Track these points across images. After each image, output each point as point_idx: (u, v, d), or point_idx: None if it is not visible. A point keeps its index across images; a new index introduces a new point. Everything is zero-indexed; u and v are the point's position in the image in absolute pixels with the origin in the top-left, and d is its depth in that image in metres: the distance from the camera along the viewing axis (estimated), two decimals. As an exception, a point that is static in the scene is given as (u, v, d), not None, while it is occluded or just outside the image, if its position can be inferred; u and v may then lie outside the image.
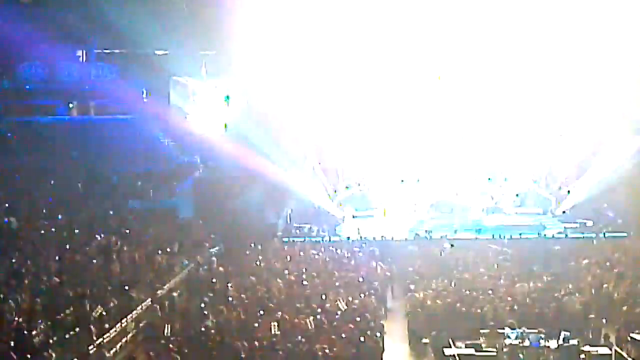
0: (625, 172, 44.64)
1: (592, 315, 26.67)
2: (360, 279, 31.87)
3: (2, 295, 24.10)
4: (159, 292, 29.61)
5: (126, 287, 27.79)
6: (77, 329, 23.13)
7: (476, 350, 24.20)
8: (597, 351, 23.83)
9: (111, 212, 40.02)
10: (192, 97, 50.22)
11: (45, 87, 50.08)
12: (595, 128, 48.06)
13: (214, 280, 32.43)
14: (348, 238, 44.19)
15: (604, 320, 26.21)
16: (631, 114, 47.68)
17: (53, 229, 34.01)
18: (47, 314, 23.37)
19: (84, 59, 52.24)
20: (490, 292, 29.52)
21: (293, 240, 43.38)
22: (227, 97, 50.16)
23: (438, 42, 48.13)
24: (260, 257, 36.80)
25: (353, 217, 47.88)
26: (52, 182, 43.16)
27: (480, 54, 48.41)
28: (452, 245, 38.94)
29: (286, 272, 33.09)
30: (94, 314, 24.44)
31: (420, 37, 47.92)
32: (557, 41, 46.82)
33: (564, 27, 46.13)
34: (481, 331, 25.47)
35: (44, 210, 37.39)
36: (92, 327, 23.36)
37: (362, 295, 29.24)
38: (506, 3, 47.07)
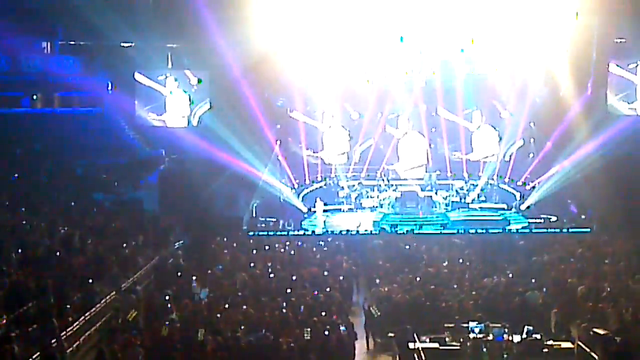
0: (589, 168, 44.98)
1: (555, 310, 26.87)
2: (326, 273, 31.88)
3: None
4: (123, 285, 29.47)
5: (90, 280, 27.61)
6: (40, 323, 22.96)
7: (440, 345, 24.31)
8: (560, 345, 24.07)
9: (75, 205, 39.76)
10: (158, 89, 49.88)
11: (9, 78, 49.55)
12: (558, 124, 48.44)
13: (178, 273, 32.36)
14: (313, 232, 44.27)
15: (567, 315, 26.40)
16: (593, 111, 48.24)
17: (16, 222, 33.70)
18: (9, 308, 23.16)
19: (48, 51, 51.74)
20: (454, 286, 29.70)
21: (258, 234, 43.33)
22: (185, 91, 49.91)
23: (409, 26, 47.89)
24: (225, 251, 36.71)
25: (324, 211, 47.79)
26: (15, 174, 42.77)
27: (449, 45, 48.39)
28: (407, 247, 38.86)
29: (251, 265, 33.04)
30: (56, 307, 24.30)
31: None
32: (521, 37, 47.05)
33: (532, 23, 46.37)
34: (445, 325, 25.59)
35: (7, 203, 37.05)
36: (55, 320, 23.17)
37: (328, 289, 29.26)
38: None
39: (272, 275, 31.15)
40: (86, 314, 25.43)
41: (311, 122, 52.46)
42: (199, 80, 49.71)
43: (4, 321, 22.02)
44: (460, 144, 52.63)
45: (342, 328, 24.61)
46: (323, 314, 25.56)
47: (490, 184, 51.29)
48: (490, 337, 24.12)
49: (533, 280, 30.11)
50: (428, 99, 51.64)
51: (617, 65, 48.91)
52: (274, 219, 46.38)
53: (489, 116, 52.41)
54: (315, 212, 48.10)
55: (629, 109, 49.10)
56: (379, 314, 25.99)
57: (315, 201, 48.39)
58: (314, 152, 52.90)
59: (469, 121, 52.61)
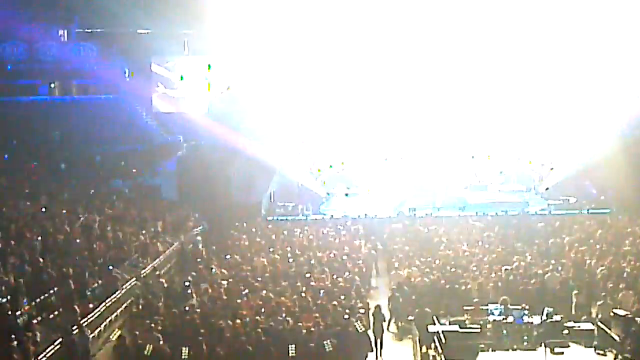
0: (607, 149, 44.80)
1: (575, 292, 26.78)
2: (345, 257, 31.89)
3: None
4: (142, 271, 29.62)
5: (110, 267, 27.75)
6: (62, 309, 23.10)
7: (460, 327, 24.25)
8: (580, 327, 23.98)
9: (94, 192, 39.91)
10: (174, 76, 49.94)
11: (27, 67, 49.87)
12: (576, 107, 48.22)
13: (198, 259, 32.46)
14: (332, 216, 44.27)
15: (587, 297, 26.32)
16: (611, 95, 48.01)
17: (36, 209, 33.83)
18: (32, 294, 23.31)
19: (66, 39, 51.90)
20: (474, 269, 29.64)
21: (277, 219, 43.38)
22: (206, 78, 49.85)
23: (421, 22, 47.83)
24: (244, 236, 36.77)
25: (346, 195, 47.74)
26: (35, 162, 42.96)
27: (464, 35, 48.19)
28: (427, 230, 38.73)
29: (270, 250, 33.10)
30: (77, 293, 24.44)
31: (401, 17, 47.63)
32: (539, 29, 46.82)
33: (547, 17, 46.08)
34: (465, 308, 25.55)
35: (27, 190, 37.21)
36: (76, 306, 23.30)
37: (347, 273, 29.27)
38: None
39: (291, 260, 31.18)
40: (107, 300, 25.58)
41: (328, 109, 52.24)
42: (209, 66, 49.68)
43: (27, 308, 22.17)
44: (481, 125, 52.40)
45: (361, 312, 24.70)
46: (342, 297, 25.61)
47: (510, 165, 51.08)
48: (510, 319, 24.07)
49: (552, 262, 30.05)
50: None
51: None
52: (292, 204, 46.40)
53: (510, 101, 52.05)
54: (334, 195, 48.06)
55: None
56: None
57: (335, 185, 48.33)
58: (330, 137, 52.66)
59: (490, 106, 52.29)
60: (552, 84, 49.46)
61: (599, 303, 25.51)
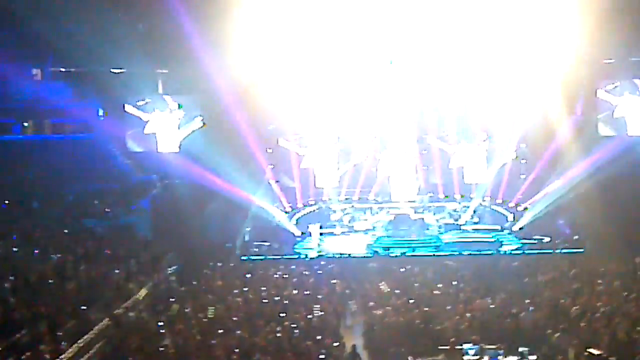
0: (581, 188, 45.11)
1: (550, 331, 26.84)
2: (319, 296, 31.83)
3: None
4: (116, 311, 29.38)
5: (83, 307, 27.52)
6: (33, 349, 22.83)
7: (435, 367, 24.28)
8: (555, 366, 24.04)
9: (67, 231, 39.65)
10: (148, 115, 49.81)
11: (0, 106, 49.53)
12: (550, 147, 48.47)
13: (171, 298, 32.28)
14: (306, 256, 44.22)
15: (561, 336, 26.34)
16: (584, 132, 48.32)
17: (7, 249, 33.56)
18: (2, 335, 23.04)
19: (40, 78, 51.70)
20: (448, 308, 29.66)
21: (252, 258, 43.29)
22: (179, 118, 49.71)
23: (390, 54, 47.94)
24: (218, 276, 36.64)
25: (320, 234, 47.69)
26: (7, 201, 42.69)
27: (437, 66, 48.27)
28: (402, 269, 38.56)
29: (245, 290, 32.96)
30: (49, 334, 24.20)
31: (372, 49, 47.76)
32: (511, 59, 47.06)
33: (522, 45, 46.34)
34: (440, 347, 25.51)
35: (-2, 230, 36.95)
36: (47, 347, 23.04)
37: (322, 312, 29.19)
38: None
39: (265, 300, 31.06)
40: (79, 341, 25.33)
41: (298, 150, 52.12)
42: (179, 106, 49.65)
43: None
44: (451, 166, 52.42)
45: (336, 352, 24.61)
46: (318, 337, 25.52)
47: (483, 205, 51.25)
48: (485, 359, 24.09)
49: (527, 301, 30.12)
50: (419, 123, 51.42)
51: (606, 87, 48.82)
52: (267, 243, 46.30)
53: (479, 138, 52.11)
54: (309, 235, 48.00)
55: (618, 129, 48.96)
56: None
57: (309, 225, 48.31)
58: (298, 180, 52.50)
59: (459, 142, 52.27)
60: (526, 124, 49.63)
61: (573, 342, 25.55)
